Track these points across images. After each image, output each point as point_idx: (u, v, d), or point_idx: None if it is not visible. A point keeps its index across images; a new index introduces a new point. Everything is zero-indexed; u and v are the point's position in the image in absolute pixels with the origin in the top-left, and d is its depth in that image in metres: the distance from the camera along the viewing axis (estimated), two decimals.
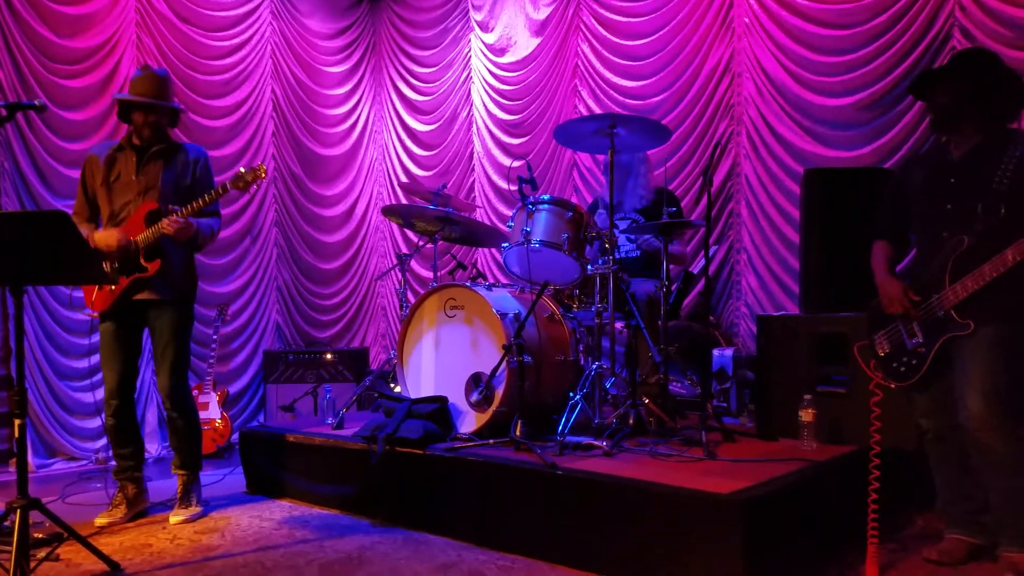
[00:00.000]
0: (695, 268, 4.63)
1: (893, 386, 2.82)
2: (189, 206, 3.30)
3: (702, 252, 3.75)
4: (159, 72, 3.49)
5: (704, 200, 3.72)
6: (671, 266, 3.84)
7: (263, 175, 3.31)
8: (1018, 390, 2.57)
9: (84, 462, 4.91)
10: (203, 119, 5.67)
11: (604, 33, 5.55)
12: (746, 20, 4.91)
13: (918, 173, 2.87)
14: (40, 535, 2.88)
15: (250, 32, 5.98)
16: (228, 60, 5.84)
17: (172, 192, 3.43)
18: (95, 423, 4.97)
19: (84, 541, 2.77)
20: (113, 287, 3.37)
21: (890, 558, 2.80)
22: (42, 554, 2.73)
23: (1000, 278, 2.52)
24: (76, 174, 4.85)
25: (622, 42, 5.47)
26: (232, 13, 5.86)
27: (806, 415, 3.28)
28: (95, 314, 3.46)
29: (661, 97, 5.24)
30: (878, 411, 2.77)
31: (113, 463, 3.61)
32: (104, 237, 3.34)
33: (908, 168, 2.99)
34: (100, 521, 3.39)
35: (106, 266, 3.34)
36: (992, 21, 4.03)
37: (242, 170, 3.32)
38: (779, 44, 4.76)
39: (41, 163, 4.90)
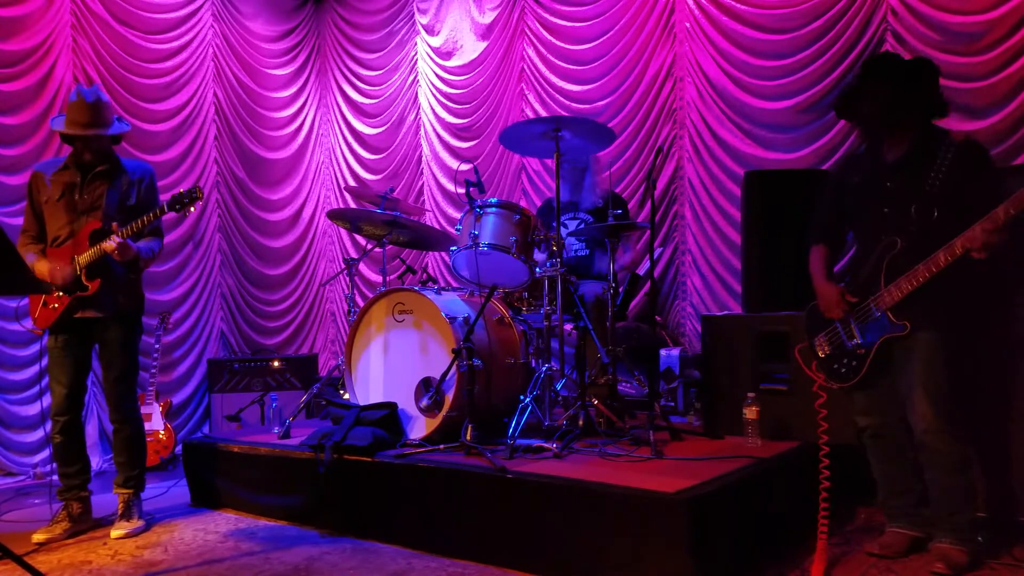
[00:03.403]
0: (641, 270, 4.69)
1: (836, 387, 2.89)
2: (129, 227, 3.29)
3: (647, 254, 3.81)
4: (96, 97, 3.38)
5: (649, 203, 3.77)
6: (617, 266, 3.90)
7: (200, 197, 3.32)
8: (958, 394, 2.66)
9: (22, 477, 4.75)
10: (143, 123, 5.53)
11: (549, 38, 5.59)
12: (687, 25, 4.99)
13: (854, 177, 2.91)
14: None
15: (191, 35, 5.86)
16: (168, 63, 5.71)
17: (116, 212, 3.41)
18: (33, 437, 4.83)
19: (19, 560, 2.67)
20: (56, 305, 3.34)
21: (834, 552, 2.86)
22: None
23: (936, 283, 2.57)
24: (12, 180, 4.77)
25: (567, 46, 5.51)
26: (172, 15, 5.73)
27: (750, 412, 3.35)
28: (39, 330, 3.42)
29: (606, 101, 5.29)
30: (824, 412, 2.84)
31: (54, 478, 3.52)
32: (46, 271, 3.31)
33: (844, 172, 3.02)
34: (38, 538, 3.29)
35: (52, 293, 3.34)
36: (922, 25, 4.17)
37: (181, 191, 3.32)
38: (719, 48, 4.85)
39: None
